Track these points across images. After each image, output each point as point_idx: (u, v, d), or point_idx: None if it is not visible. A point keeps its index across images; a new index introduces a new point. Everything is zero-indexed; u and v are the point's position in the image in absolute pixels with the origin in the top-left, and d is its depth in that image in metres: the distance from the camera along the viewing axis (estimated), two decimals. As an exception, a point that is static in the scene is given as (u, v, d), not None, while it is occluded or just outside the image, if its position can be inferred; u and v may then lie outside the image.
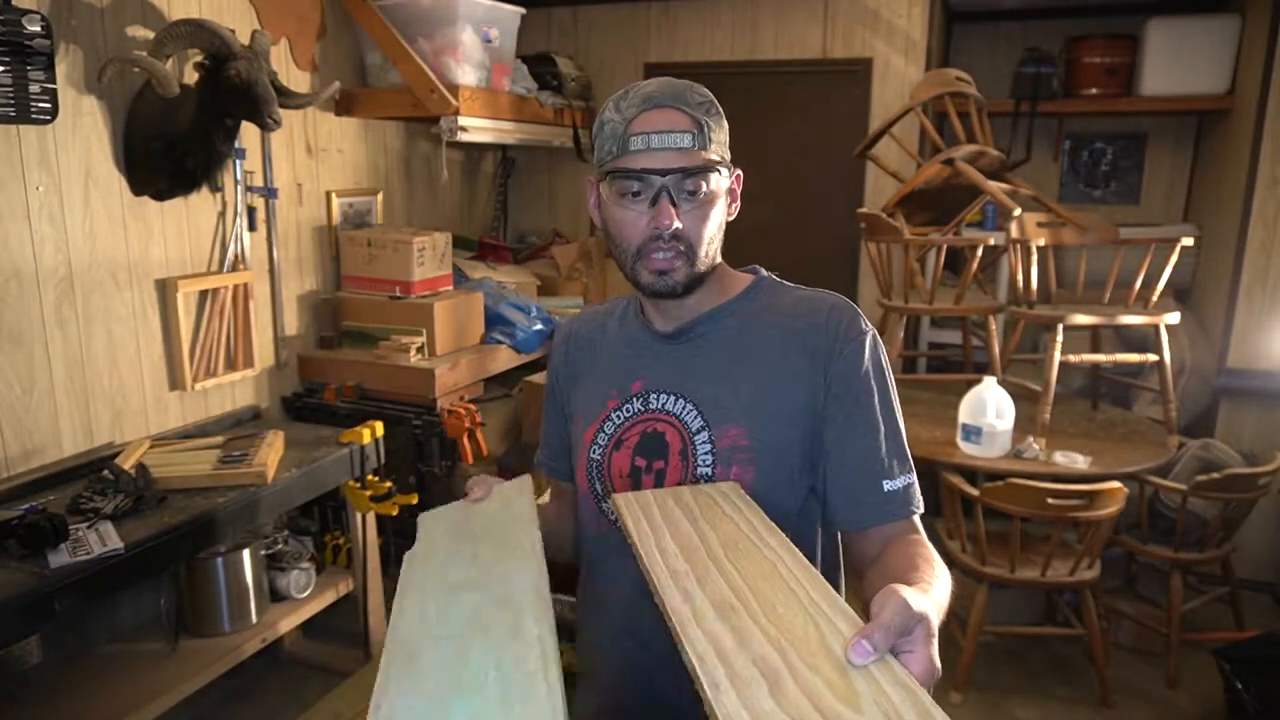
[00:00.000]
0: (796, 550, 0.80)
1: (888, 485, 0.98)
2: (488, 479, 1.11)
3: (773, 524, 0.87)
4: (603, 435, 1.08)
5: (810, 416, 1.00)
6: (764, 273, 1.15)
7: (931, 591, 0.80)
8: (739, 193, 1.10)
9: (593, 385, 1.14)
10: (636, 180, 0.99)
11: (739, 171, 1.08)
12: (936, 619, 0.71)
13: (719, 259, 1.08)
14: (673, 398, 1.06)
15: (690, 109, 0.99)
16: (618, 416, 1.08)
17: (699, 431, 1.03)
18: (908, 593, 0.68)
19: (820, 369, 1.01)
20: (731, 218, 1.08)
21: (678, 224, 0.98)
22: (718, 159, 1.01)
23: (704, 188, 1.00)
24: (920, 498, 1.00)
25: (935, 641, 0.67)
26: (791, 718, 0.58)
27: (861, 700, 0.59)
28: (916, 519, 0.99)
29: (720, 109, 1.04)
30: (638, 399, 1.08)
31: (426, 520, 1.06)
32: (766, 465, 1.00)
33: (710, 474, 1.01)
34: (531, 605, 0.79)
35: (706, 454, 1.01)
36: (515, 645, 0.74)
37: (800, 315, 1.04)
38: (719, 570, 0.80)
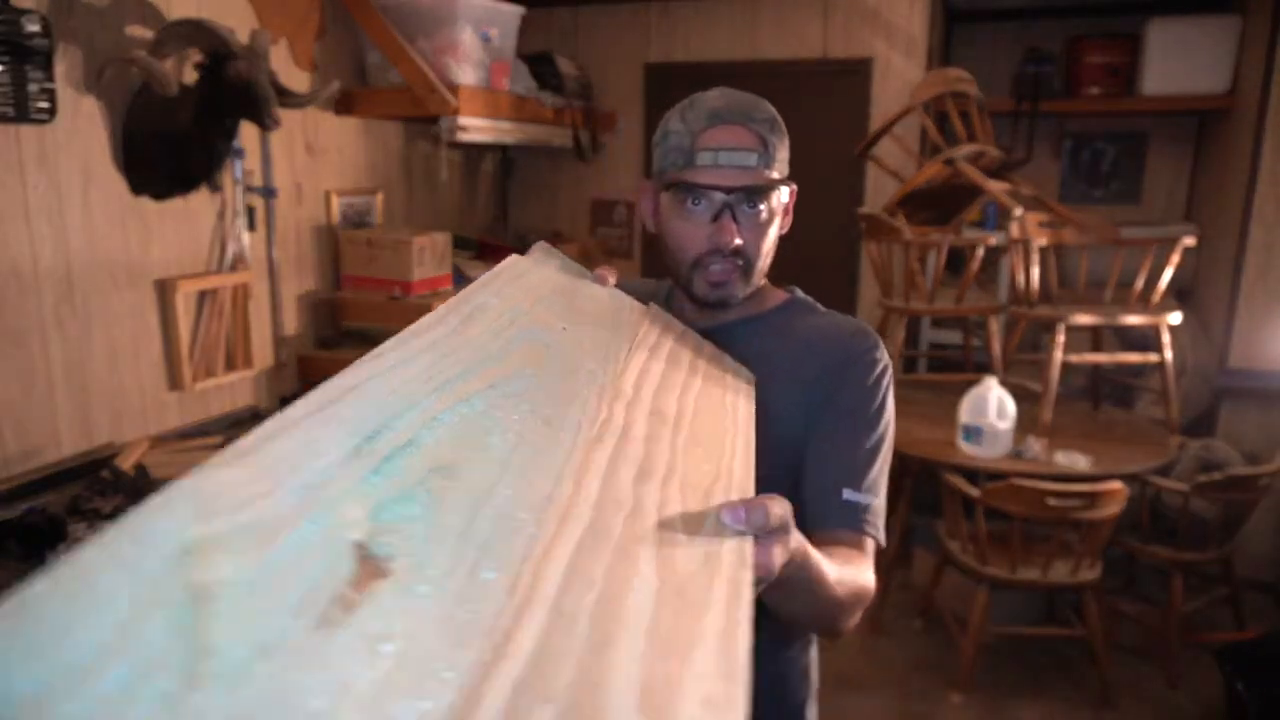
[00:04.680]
0: (752, 448, 0.82)
1: (847, 494, 0.98)
2: (615, 272, 1.10)
3: (751, 419, 0.89)
4: None
5: (803, 428, 1.03)
6: (799, 294, 1.17)
7: (822, 563, 0.80)
8: (791, 208, 1.12)
9: None
10: (701, 194, 1.01)
11: (794, 186, 1.09)
12: (802, 565, 0.75)
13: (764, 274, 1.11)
14: None
15: (756, 126, 1.01)
16: None
17: None
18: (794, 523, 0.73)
19: (825, 384, 1.03)
20: (784, 231, 1.10)
21: (738, 240, 1.01)
22: (780, 178, 1.03)
23: (766, 206, 1.02)
24: (882, 528, 1.00)
25: (785, 557, 0.69)
26: (627, 492, 0.62)
27: (699, 528, 0.62)
28: (869, 545, 0.98)
29: (783, 126, 1.05)
30: None
31: (541, 250, 1.03)
32: (769, 466, 0.99)
33: None
34: (598, 373, 0.78)
35: None
36: (567, 385, 0.73)
37: (824, 335, 1.07)
38: (679, 397, 0.84)
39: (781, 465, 1.00)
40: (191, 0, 2.35)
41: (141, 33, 2.20)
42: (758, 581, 0.66)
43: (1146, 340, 2.86)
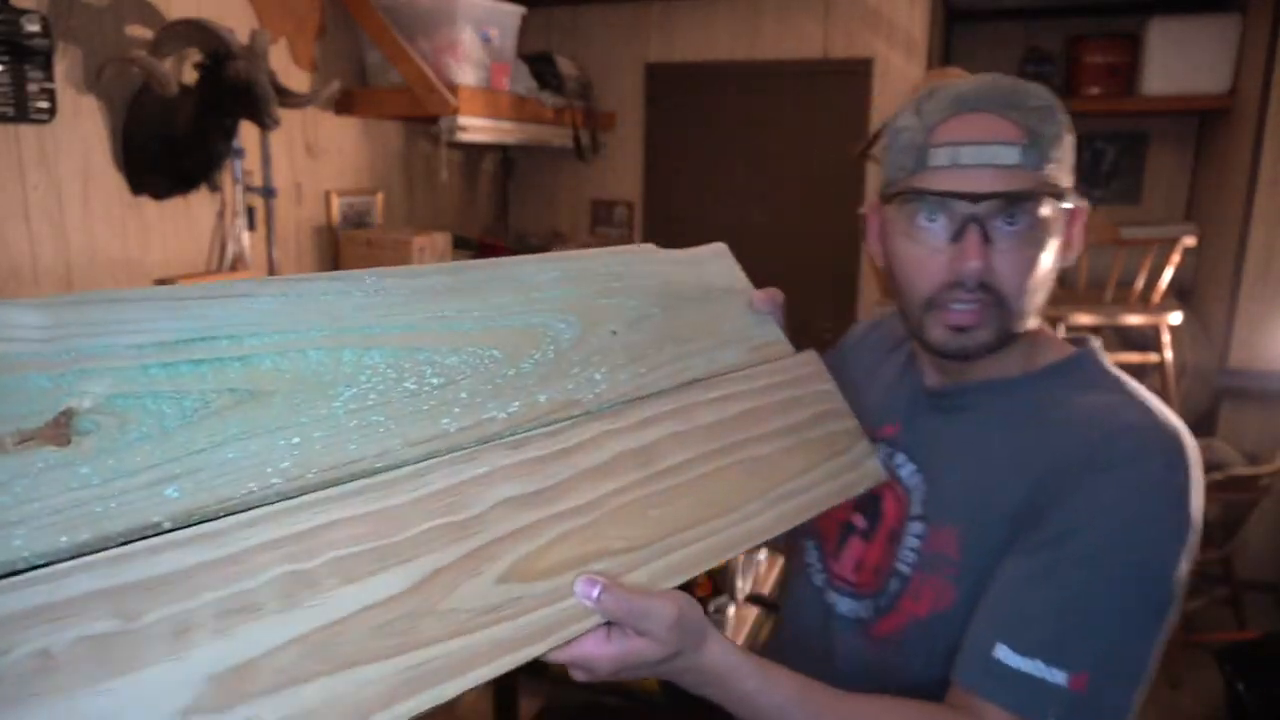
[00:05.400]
0: (742, 548, 0.72)
1: (1002, 652, 0.69)
2: (777, 299, 0.90)
3: (784, 524, 0.74)
4: None
5: (1004, 543, 0.77)
6: (1093, 346, 0.86)
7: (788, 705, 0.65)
8: (1079, 231, 0.81)
9: (852, 399, 0.92)
10: (936, 207, 0.75)
11: (1084, 204, 0.80)
12: (709, 684, 0.63)
13: (1036, 317, 0.81)
14: (912, 467, 0.85)
15: (1020, 114, 0.74)
16: None
17: (914, 519, 0.83)
18: (703, 630, 0.62)
19: (1048, 489, 0.74)
20: (1067, 263, 0.81)
21: (977, 264, 0.74)
22: (1054, 184, 0.75)
23: (1030, 221, 0.74)
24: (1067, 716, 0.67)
25: (632, 663, 0.59)
26: (476, 504, 0.58)
27: (535, 576, 0.57)
28: None
29: (1064, 118, 0.76)
30: (884, 446, 0.89)
31: (710, 251, 0.90)
32: (970, 588, 0.76)
33: (908, 575, 0.81)
34: (597, 386, 0.69)
35: (911, 550, 0.82)
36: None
37: (1081, 419, 0.76)
38: (704, 454, 0.72)
39: (976, 590, 0.76)
40: (191, 0, 2.35)
41: (141, 33, 2.20)
42: (581, 668, 0.59)
43: (1146, 340, 2.86)
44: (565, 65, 3.61)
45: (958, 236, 0.75)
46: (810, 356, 0.88)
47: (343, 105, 2.93)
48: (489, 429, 0.62)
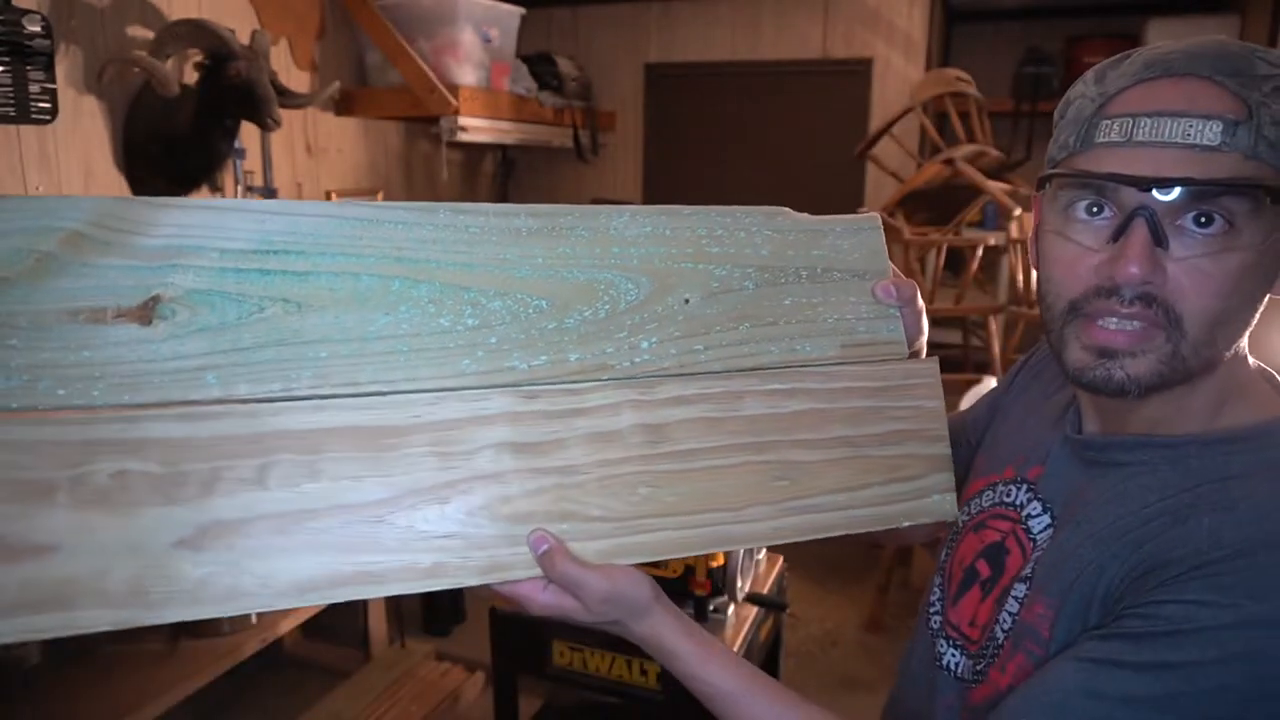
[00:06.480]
0: (718, 547, 0.70)
1: None
2: (905, 293, 0.76)
3: (790, 536, 0.70)
4: (977, 502, 0.78)
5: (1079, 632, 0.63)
6: None
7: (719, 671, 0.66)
8: None
9: (1011, 434, 0.81)
10: (1099, 194, 0.59)
11: None
12: (657, 641, 0.66)
13: (1231, 351, 0.61)
14: (1046, 520, 0.69)
15: (1239, 82, 0.55)
16: (1002, 493, 0.76)
17: (1022, 580, 0.68)
18: (644, 607, 0.64)
19: (1152, 585, 0.56)
20: None
21: (1137, 268, 0.56)
22: (1277, 177, 0.55)
23: (1227, 222, 0.55)
24: None
25: (556, 614, 0.64)
26: (467, 440, 0.62)
27: (499, 515, 0.62)
28: None
29: None
30: (1025, 490, 0.73)
31: (856, 221, 0.77)
32: (1009, 666, 0.67)
33: (1000, 641, 0.67)
34: (637, 355, 0.68)
35: (1009, 614, 0.67)
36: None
37: (1242, 516, 0.56)
38: (726, 449, 0.68)
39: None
40: (192, 0, 2.35)
41: (142, 33, 2.20)
42: (515, 602, 0.64)
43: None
44: (565, 65, 3.62)
45: (1120, 234, 0.57)
46: (926, 368, 0.75)
47: (343, 105, 2.93)
48: (506, 378, 0.64)
